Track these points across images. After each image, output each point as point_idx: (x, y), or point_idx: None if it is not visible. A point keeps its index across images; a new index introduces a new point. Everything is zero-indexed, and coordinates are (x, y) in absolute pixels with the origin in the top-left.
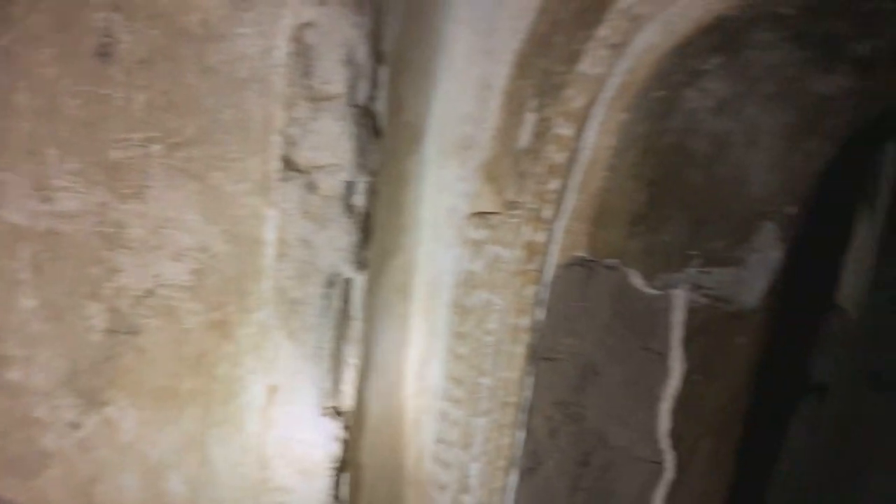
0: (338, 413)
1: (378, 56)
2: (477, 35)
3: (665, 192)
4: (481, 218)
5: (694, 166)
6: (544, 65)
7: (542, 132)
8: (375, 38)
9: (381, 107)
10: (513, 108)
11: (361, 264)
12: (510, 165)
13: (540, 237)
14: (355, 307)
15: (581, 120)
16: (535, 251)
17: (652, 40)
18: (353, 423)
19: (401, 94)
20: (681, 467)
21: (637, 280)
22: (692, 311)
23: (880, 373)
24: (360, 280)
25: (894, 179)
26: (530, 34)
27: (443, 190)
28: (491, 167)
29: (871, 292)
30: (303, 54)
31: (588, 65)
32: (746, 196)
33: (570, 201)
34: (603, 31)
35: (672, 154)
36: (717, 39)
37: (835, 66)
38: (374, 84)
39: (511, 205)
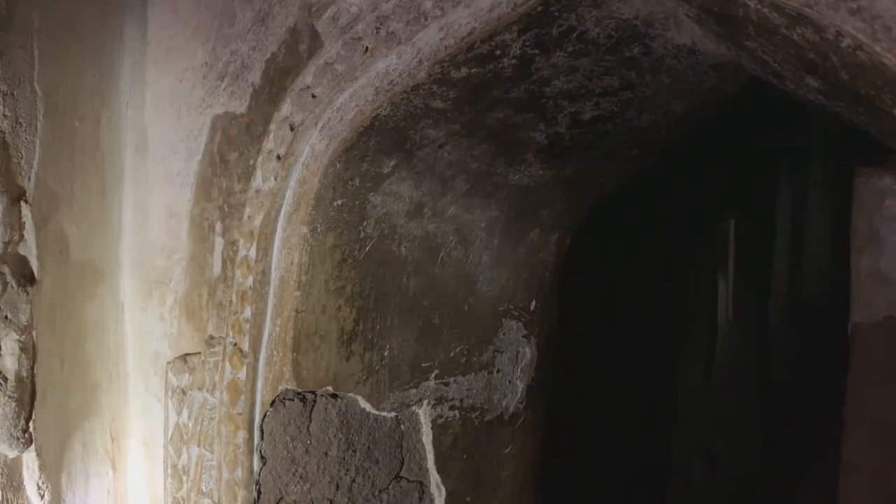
0: None
1: (14, 193)
2: (156, 159)
3: (378, 304)
4: (182, 361)
5: (406, 273)
6: (224, 184)
7: (230, 256)
8: (5, 174)
9: (27, 249)
10: (201, 234)
11: (24, 440)
12: (207, 297)
13: (243, 374)
14: (29, 489)
15: (263, 239)
16: (239, 391)
17: (316, 148)
18: None
19: (65, 231)
20: None
21: (366, 404)
22: (442, 428)
23: (713, 450)
24: (28, 458)
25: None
26: (207, 153)
27: (145, 334)
28: (189, 301)
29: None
30: None
31: (261, 180)
32: (477, 296)
33: (268, 329)
34: (269, 144)
35: (376, 263)
36: (383, 140)
37: (522, 157)
38: (12, 225)
39: (211, 341)
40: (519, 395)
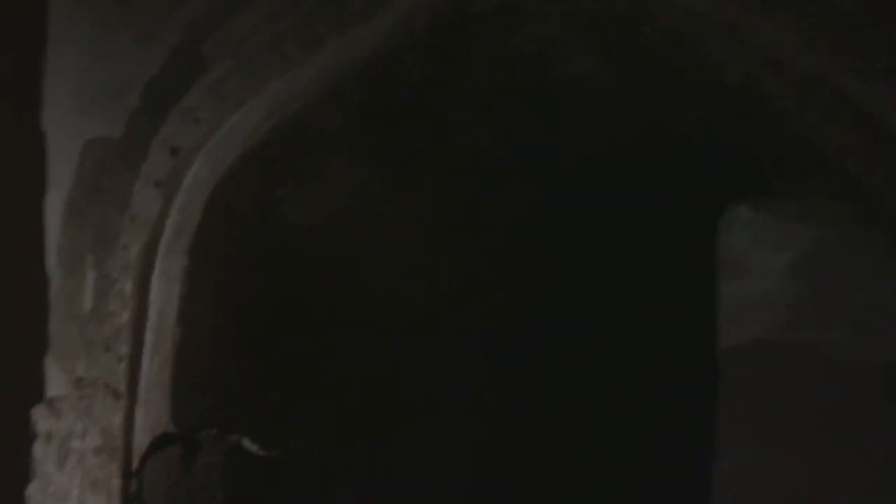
0: None
1: None
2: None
3: (266, 340)
4: (49, 406)
5: (299, 307)
6: (98, 212)
7: (104, 290)
8: None
9: None
10: (71, 266)
11: None
12: (77, 334)
13: (118, 418)
14: None
15: (140, 270)
16: (113, 436)
17: (199, 174)
18: None
19: None
20: None
21: (252, 446)
22: None
23: None
24: None
25: None
26: (78, 179)
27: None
28: (56, 339)
29: None
30: None
31: (139, 207)
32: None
33: (145, 368)
34: (148, 169)
35: (265, 297)
36: (274, 165)
37: (422, 184)
38: None
39: (81, 383)
40: None
